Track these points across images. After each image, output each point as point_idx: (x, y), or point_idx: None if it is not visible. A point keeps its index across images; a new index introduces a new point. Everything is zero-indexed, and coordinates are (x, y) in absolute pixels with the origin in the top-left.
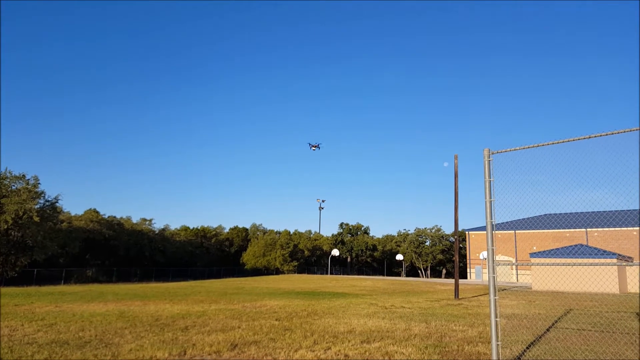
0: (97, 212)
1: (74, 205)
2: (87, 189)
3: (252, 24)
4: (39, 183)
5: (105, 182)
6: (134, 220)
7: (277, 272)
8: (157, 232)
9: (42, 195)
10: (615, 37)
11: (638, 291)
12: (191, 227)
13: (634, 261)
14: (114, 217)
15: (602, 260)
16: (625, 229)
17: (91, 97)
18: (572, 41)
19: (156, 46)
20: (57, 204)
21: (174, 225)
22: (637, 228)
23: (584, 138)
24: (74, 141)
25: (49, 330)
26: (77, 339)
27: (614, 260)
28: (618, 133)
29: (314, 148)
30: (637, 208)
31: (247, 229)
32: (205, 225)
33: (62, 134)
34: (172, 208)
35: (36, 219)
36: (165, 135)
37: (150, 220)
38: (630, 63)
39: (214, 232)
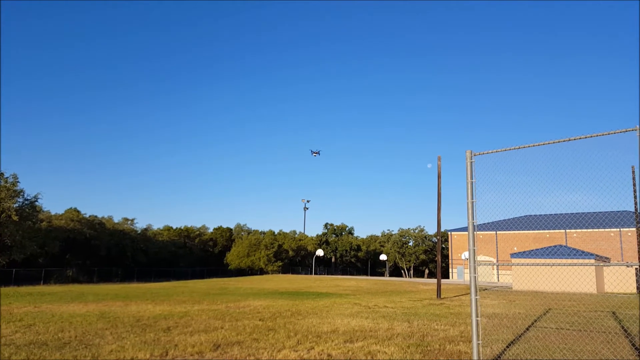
0: (78, 212)
1: (54, 204)
2: (68, 188)
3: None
4: (17, 181)
5: (86, 181)
6: (116, 220)
7: (262, 272)
8: (139, 232)
9: (21, 193)
10: (601, 37)
11: (615, 291)
12: (174, 227)
13: (611, 261)
14: (95, 216)
15: (581, 261)
16: (602, 230)
17: (72, 97)
18: (557, 41)
19: (145, 47)
20: (36, 203)
21: (157, 225)
22: (616, 229)
23: (564, 141)
24: (55, 140)
25: (27, 332)
26: (56, 340)
27: (592, 261)
28: (597, 136)
29: (315, 154)
30: (615, 210)
31: (231, 229)
32: (189, 225)
33: (43, 133)
34: (154, 208)
35: (15, 218)
36: (148, 135)
37: (133, 220)
38: (612, 64)
39: (198, 232)
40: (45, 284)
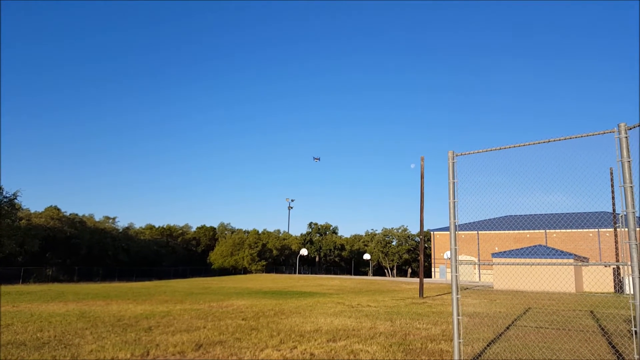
0: (58, 210)
1: (34, 202)
2: (48, 185)
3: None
4: None
5: (67, 179)
6: (97, 218)
7: (245, 271)
8: (120, 230)
9: (0, 191)
10: (584, 38)
11: (593, 290)
12: (157, 226)
13: (590, 261)
14: (76, 214)
15: (560, 261)
16: (581, 230)
17: (51, 93)
18: (543, 41)
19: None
20: (15, 201)
21: (139, 223)
22: (594, 230)
23: (545, 142)
24: (35, 136)
25: (5, 331)
26: (35, 339)
27: (571, 261)
28: (577, 138)
29: (316, 160)
30: (593, 211)
31: (214, 228)
32: (172, 224)
33: (22, 129)
34: (137, 207)
35: None
36: (130, 133)
37: (114, 219)
38: (596, 65)
39: (181, 231)
40: (24, 283)
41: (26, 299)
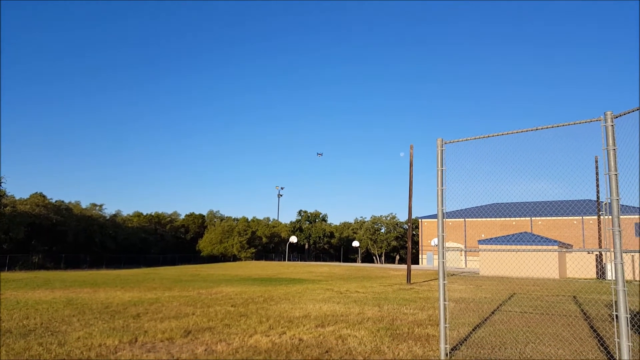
0: (44, 197)
1: (19, 188)
2: (33, 172)
3: None
4: None
5: (52, 165)
6: (84, 205)
7: (235, 259)
8: (108, 217)
9: None
10: (574, 25)
11: (576, 276)
12: (145, 213)
13: (573, 248)
14: (62, 201)
15: (544, 247)
16: (566, 218)
17: (36, 80)
18: (532, 29)
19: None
20: None
21: (127, 211)
22: (578, 217)
23: (531, 130)
24: (19, 122)
25: None
26: (21, 327)
27: (555, 248)
28: (563, 126)
29: (319, 155)
30: (578, 199)
31: (203, 216)
32: (160, 212)
33: (6, 115)
34: (124, 194)
35: None
36: (117, 120)
37: (101, 206)
38: (584, 53)
39: (169, 218)
40: (10, 270)
41: (12, 286)
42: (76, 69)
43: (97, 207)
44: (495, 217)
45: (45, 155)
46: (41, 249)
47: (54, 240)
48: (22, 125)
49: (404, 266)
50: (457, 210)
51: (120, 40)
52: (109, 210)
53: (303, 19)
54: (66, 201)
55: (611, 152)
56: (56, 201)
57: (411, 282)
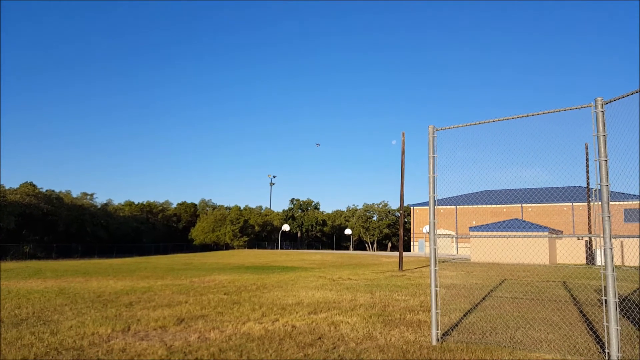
0: (34, 186)
1: (8, 178)
2: (23, 161)
3: None
4: None
5: (42, 154)
6: (74, 194)
7: (227, 247)
8: (99, 207)
9: None
10: (566, 11)
11: (566, 262)
12: (136, 202)
13: (563, 234)
14: (53, 191)
15: (535, 234)
16: (556, 204)
17: (26, 66)
18: (524, 16)
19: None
20: None
21: (118, 200)
22: (568, 204)
23: (522, 117)
24: (8, 110)
25: None
26: (12, 316)
27: (546, 234)
28: (553, 112)
29: (317, 145)
30: (568, 185)
31: (195, 205)
32: (152, 201)
33: None
34: (115, 183)
35: None
36: (108, 108)
37: (92, 195)
38: (576, 39)
39: (161, 207)
40: (1, 260)
41: (3, 276)
42: (65, 58)
43: (88, 197)
44: (486, 204)
45: (35, 144)
46: (32, 238)
47: (45, 230)
48: (11, 114)
49: (396, 253)
50: (449, 198)
51: (110, 29)
52: (100, 200)
53: (293, 6)
54: (57, 190)
55: (601, 138)
56: (46, 190)
57: (403, 269)
